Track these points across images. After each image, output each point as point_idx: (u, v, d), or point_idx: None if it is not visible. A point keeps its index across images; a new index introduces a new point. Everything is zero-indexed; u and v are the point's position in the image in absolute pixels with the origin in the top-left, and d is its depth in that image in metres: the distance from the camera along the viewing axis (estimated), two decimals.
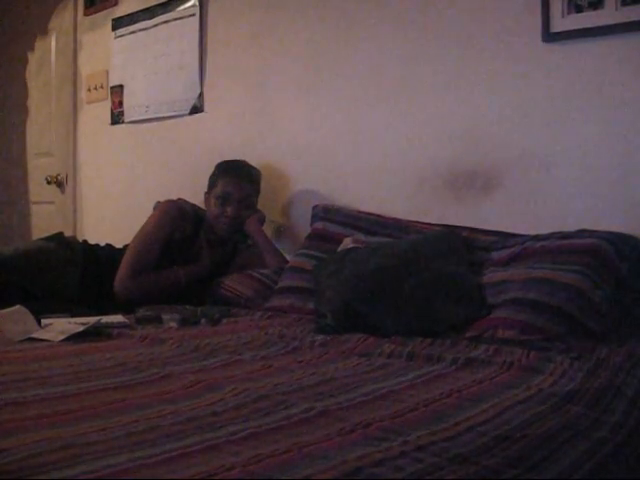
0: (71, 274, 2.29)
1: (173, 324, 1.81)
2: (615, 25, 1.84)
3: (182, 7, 3.06)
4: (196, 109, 3.00)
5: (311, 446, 0.85)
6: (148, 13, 3.21)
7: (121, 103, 3.36)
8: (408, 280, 1.72)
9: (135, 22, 3.27)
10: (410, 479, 0.78)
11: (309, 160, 2.60)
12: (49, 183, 3.73)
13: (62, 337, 1.59)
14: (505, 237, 1.98)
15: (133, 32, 3.29)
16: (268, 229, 2.56)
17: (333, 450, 0.84)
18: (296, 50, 2.64)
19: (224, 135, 2.90)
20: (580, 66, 1.94)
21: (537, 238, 1.85)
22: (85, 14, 3.60)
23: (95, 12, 3.53)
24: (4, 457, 0.79)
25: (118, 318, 1.87)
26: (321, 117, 2.57)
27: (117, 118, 3.40)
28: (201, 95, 2.98)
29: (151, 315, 1.88)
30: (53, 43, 3.80)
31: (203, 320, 1.86)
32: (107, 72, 3.45)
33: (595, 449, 0.97)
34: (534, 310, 1.58)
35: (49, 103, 3.83)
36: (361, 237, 2.14)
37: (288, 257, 2.40)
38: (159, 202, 2.47)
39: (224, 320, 1.89)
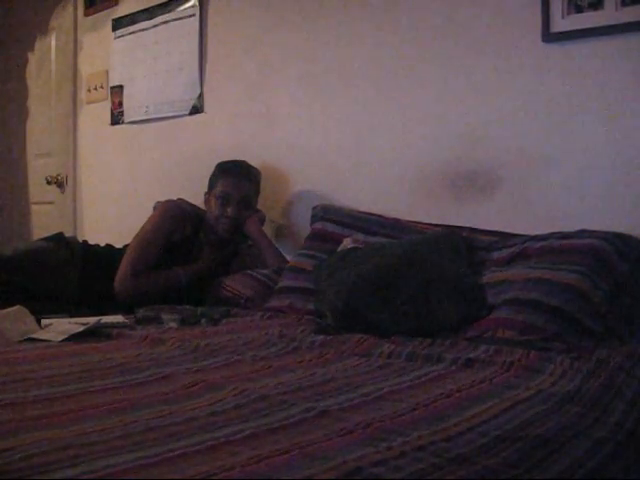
0: (71, 274, 2.29)
1: (173, 324, 1.81)
2: (615, 25, 1.84)
3: (182, 7, 3.06)
4: (196, 109, 3.00)
5: (311, 446, 0.85)
6: (148, 13, 3.21)
7: (121, 103, 3.37)
8: (408, 280, 1.72)
9: (135, 22, 3.27)
10: (410, 479, 0.78)
11: (309, 160, 2.60)
12: (49, 183, 3.74)
13: (62, 337, 1.59)
14: (505, 237, 1.98)
15: (133, 32, 3.29)
16: (268, 229, 2.56)
17: (333, 450, 0.84)
18: (296, 50, 2.64)
19: (224, 135, 2.90)
20: (580, 66, 1.94)
21: (537, 238, 1.84)
22: (85, 14, 3.60)
23: (95, 12, 3.53)
24: (4, 457, 0.79)
25: (118, 318, 1.87)
26: (321, 117, 2.57)
27: (117, 118, 3.40)
28: (201, 95, 2.98)
29: (151, 315, 1.88)
30: (53, 43, 3.80)
31: (203, 320, 1.86)
32: (107, 72, 3.45)
33: (595, 449, 0.97)
34: (534, 310, 1.58)
35: (49, 103, 3.83)
36: (361, 237, 2.14)
37: (288, 257, 2.40)
38: (159, 202, 2.48)
39: (224, 320, 1.89)
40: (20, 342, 1.58)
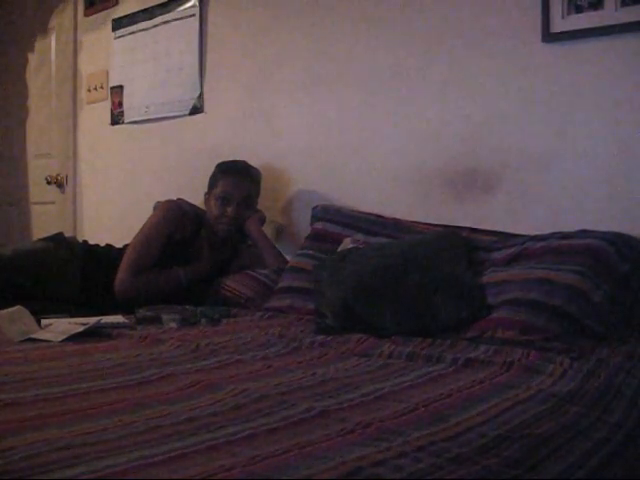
0: (71, 274, 2.29)
1: (173, 324, 1.81)
2: (615, 25, 1.84)
3: (182, 7, 3.06)
4: (196, 109, 3.00)
5: (311, 446, 0.85)
6: (148, 13, 3.21)
7: (121, 103, 3.37)
8: (408, 280, 1.72)
9: (135, 22, 3.27)
10: (410, 479, 0.78)
11: (309, 160, 2.60)
12: (49, 183, 3.74)
13: (62, 337, 1.59)
14: (505, 237, 1.98)
15: (133, 32, 3.29)
16: (268, 229, 2.56)
17: (333, 450, 0.84)
18: (296, 50, 2.64)
19: (224, 135, 2.90)
20: (580, 66, 1.94)
21: (537, 238, 1.84)
22: (85, 14, 3.60)
23: (95, 12, 3.53)
24: (4, 457, 0.79)
25: (118, 318, 1.87)
26: (321, 117, 2.57)
27: (117, 118, 3.40)
28: (201, 95, 2.98)
29: (151, 315, 1.88)
30: (53, 43, 3.80)
31: (203, 320, 1.86)
32: (107, 72, 3.45)
33: (595, 449, 0.97)
34: (534, 310, 1.58)
35: (49, 103, 3.83)
36: (361, 237, 2.14)
37: (288, 257, 2.40)
38: (159, 202, 2.47)
39: (224, 320, 1.89)
40: (20, 342, 1.58)
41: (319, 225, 2.33)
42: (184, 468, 0.77)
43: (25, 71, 4.01)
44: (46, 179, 3.73)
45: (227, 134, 2.89)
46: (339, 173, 2.51)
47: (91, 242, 2.53)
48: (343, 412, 1.01)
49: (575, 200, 1.95)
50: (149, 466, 0.78)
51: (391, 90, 2.36)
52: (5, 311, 1.73)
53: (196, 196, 2.52)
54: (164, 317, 1.85)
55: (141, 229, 2.36)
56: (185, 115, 3.05)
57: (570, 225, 1.86)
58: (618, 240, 1.74)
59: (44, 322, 1.77)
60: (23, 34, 3.98)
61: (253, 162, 2.53)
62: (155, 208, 2.47)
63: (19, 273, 2.20)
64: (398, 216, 2.26)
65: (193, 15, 3.00)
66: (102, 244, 2.49)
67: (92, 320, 1.75)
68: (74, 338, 1.60)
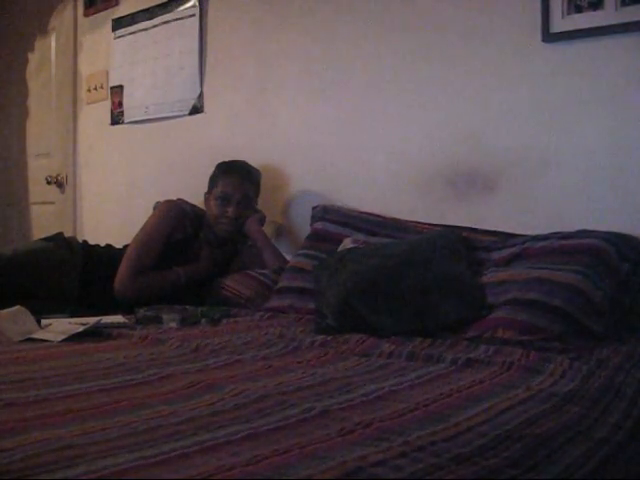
0: (71, 274, 2.29)
1: (173, 324, 1.81)
2: (615, 25, 1.84)
3: (182, 7, 3.06)
4: (196, 109, 3.00)
5: (311, 446, 0.85)
6: (148, 14, 3.21)
7: (121, 103, 3.37)
8: (408, 280, 1.72)
9: (135, 23, 3.27)
10: (410, 479, 0.78)
11: (309, 160, 2.60)
12: (49, 183, 3.73)
13: (62, 337, 1.59)
14: (505, 237, 1.98)
15: (133, 32, 3.29)
16: (268, 229, 2.56)
17: (333, 450, 0.84)
18: (296, 50, 2.64)
19: (224, 135, 2.90)
20: (580, 66, 1.94)
21: (537, 238, 1.84)
22: (85, 14, 3.60)
23: (95, 12, 3.53)
24: (4, 457, 0.79)
25: (118, 318, 1.87)
26: (321, 117, 2.57)
27: (117, 118, 3.40)
28: (201, 95, 2.98)
29: (151, 315, 1.88)
30: (53, 43, 3.80)
31: (203, 320, 1.86)
32: (107, 72, 3.45)
33: (595, 449, 0.97)
34: (534, 310, 1.58)
35: (49, 103, 3.83)
36: (361, 237, 2.14)
37: (288, 257, 2.40)
38: (159, 202, 2.47)
39: (224, 320, 1.89)
40: (20, 342, 1.58)
41: (319, 225, 2.33)
42: (184, 468, 0.77)
43: (25, 71, 4.01)
44: (46, 179, 3.73)
45: (227, 134, 2.89)
46: (339, 173, 2.51)
47: (91, 242, 2.53)
48: (343, 412, 1.01)
49: (575, 200, 1.95)
50: (149, 466, 0.78)
51: (391, 90, 2.36)
52: (5, 311, 1.73)
53: (196, 196, 2.52)
54: (164, 317, 1.85)
55: (141, 229, 2.36)
56: (185, 115, 3.05)
57: (570, 225, 1.86)
58: (618, 240, 1.74)
59: (44, 322, 1.77)
60: (23, 34, 3.98)
61: (253, 162, 2.53)
62: (155, 208, 2.47)
63: (19, 273, 2.20)
64: (398, 216, 2.26)
65: (193, 15, 3.00)
66: (102, 244, 2.50)
67: (92, 320, 1.75)
68: (74, 338, 1.60)
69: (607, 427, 1.04)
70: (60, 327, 1.69)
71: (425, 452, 0.85)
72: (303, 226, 2.51)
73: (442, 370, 1.29)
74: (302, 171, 2.63)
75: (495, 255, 1.90)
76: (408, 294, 1.70)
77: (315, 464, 0.79)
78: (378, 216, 2.28)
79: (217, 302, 2.18)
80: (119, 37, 3.38)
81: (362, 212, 2.33)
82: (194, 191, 2.57)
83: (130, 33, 3.30)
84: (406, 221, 2.21)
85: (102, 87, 3.48)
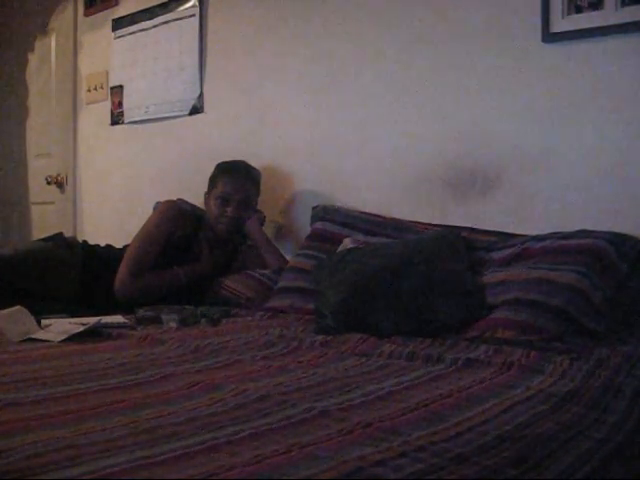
0: (71, 274, 2.29)
1: (173, 324, 1.81)
2: (615, 25, 1.84)
3: (182, 7, 3.06)
4: (196, 109, 3.00)
5: (311, 446, 0.85)
6: (148, 14, 3.21)
7: (121, 103, 3.36)
8: (408, 280, 1.72)
9: (135, 23, 3.27)
10: (410, 479, 0.78)
11: (309, 160, 2.60)
12: (49, 183, 3.73)
13: (62, 337, 1.59)
14: (505, 237, 1.98)
15: (133, 33, 3.29)
16: (268, 229, 2.56)
17: (333, 450, 0.84)
18: (296, 50, 2.64)
19: (224, 135, 2.90)
20: (580, 66, 1.94)
21: (537, 238, 1.84)
22: (85, 14, 3.60)
23: (95, 12, 3.53)
24: (4, 457, 0.79)
25: (118, 318, 1.87)
26: (321, 117, 2.57)
27: (117, 118, 3.40)
28: (201, 95, 2.98)
29: (151, 315, 1.88)
30: (53, 43, 3.80)
31: (203, 320, 1.86)
32: (107, 72, 3.45)
33: (595, 449, 0.97)
34: (534, 310, 1.58)
35: (49, 103, 3.83)
36: (361, 237, 2.14)
37: (288, 257, 2.40)
38: (159, 202, 2.48)
39: (224, 320, 1.89)
40: (20, 342, 1.58)
41: (319, 225, 2.33)
42: (184, 468, 0.77)
43: (25, 71, 4.01)
44: (46, 179, 3.73)
45: (227, 134, 2.89)
46: (339, 173, 2.51)
47: (91, 242, 2.53)
48: (343, 412, 1.01)
49: (575, 200, 1.95)
50: (149, 466, 0.78)
51: (391, 90, 2.36)
52: (5, 311, 1.73)
53: (196, 196, 2.52)
54: (164, 317, 1.85)
55: (141, 229, 2.36)
56: (185, 115, 3.05)
57: (570, 225, 1.86)
58: (618, 240, 1.74)
59: (44, 322, 1.77)
60: (23, 34, 3.98)
61: (253, 162, 2.53)
62: (155, 208, 2.47)
63: (19, 273, 2.20)
64: (398, 216, 2.26)
65: (193, 15, 3.00)
66: (102, 244, 2.49)
67: (92, 320, 1.75)
68: (74, 338, 1.60)
69: (607, 427, 1.04)
70: (60, 327, 1.69)
71: (425, 452, 0.85)
72: (303, 226, 2.51)
73: (442, 370, 1.29)
74: (302, 171, 2.63)
75: (495, 255, 1.90)
76: (408, 294, 1.70)
77: (315, 464, 0.79)
78: (378, 216, 2.28)
79: (217, 302, 2.18)
80: (119, 37, 3.37)
81: (362, 212, 2.33)
82: (194, 191, 2.57)
83: (130, 33, 3.30)
84: (406, 221, 2.21)
85: (102, 87, 3.48)
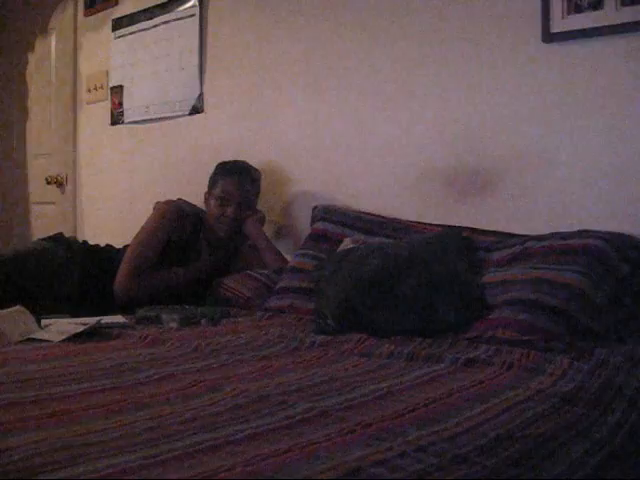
0: (71, 274, 2.29)
1: (173, 324, 1.81)
2: (615, 25, 1.84)
3: (182, 7, 3.06)
4: (196, 109, 3.00)
5: (311, 446, 0.85)
6: (148, 14, 3.21)
7: (121, 103, 3.37)
8: (408, 280, 1.72)
9: (135, 23, 3.27)
10: (410, 479, 0.78)
11: (309, 160, 2.60)
12: (49, 183, 3.74)
13: (62, 337, 1.59)
14: (505, 237, 1.98)
15: (133, 33, 3.29)
16: (268, 229, 2.56)
17: (333, 450, 0.84)
18: (296, 50, 2.64)
19: (224, 135, 2.90)
20: (580, 66, 1.94)
21: (537, 238, 1.84)
22: (85, 14, 3.60)
23: (95, 12, 3.53)
24: (4, 457, 0.79)
25: (118, 318, 1.87)
26: (321, 117, 2.57)
27: (117, 118, 3.40)
28: (201, 95, 2.98)
29: (151, 315, 1.88)
30: (53, 43, 3.80)
31: (203, 320, 1.86)
32: (107, 72, 3.45)
33: (595, 449, 0.97)
34: (534, 310, 1.58)
35: (49, 103, 3.83)
36: (361, 237, 2.14)
37: (288, 257, 2.40)
38: (159, 202, 2.47)
39: (224, 320, 1.89)
40: (20, 342, 1.58)
41: (319, 225, 2.33)
42: (184, 468, 0.77)
43: (25, 71, 4.02)
44: (46, 179, 3.73)
45: (227, 134, 2.89)
46: (339, 173, 2.51)
47: (91, 242, 2.53)
48: (343, 412, 1.01)
49: (575, 200, 1.95)
50: (149, 466, 0.78)
51: (391, 90, 2.36)
52: (5, 311, 1.73)
53: (196, 196, 2.52)
54: (164, 317, 1.85)
55: (141, 229, 2.36)
56: (185, 115, 3.05)
57: (570, 225, 1.86)
58: (618, 240, 1.74)
59: (44, 322, 1.77)
60: (23, 34, 3.99)
61: (253, 162, 2.53)
62: (155, 208, 2.47)
63: (19, 273, 2.20)
64: (398, 216, 2.26)
65: (193, 15, 3.00)
66: (102, 244, 2.49)
67: (92, 320, 1.75)
68: (74, 338, 1.60)
69: (607, 427, 1.04)
70: (60, 327, 1.69)
71: (425, 452, 0.85)
72: (303, 226, 2.51)
73: (442, 370, 1.29)
74: (302, 171, 2.63)
75: (495, 255, 1.89)
76: (408, 294, 1.70)
77: (315, 464, 0.79)
78: (378, 216, 2.28)
79: (217, 302, 2.18)
80: (119, 37, 3.38)
81: (362, 212, 2.33)
82: (194, 191, 2.57)
83: (130, 33, 3.30)
84: (406, 221, 2.21)
85: (102, 87, 3.48)
